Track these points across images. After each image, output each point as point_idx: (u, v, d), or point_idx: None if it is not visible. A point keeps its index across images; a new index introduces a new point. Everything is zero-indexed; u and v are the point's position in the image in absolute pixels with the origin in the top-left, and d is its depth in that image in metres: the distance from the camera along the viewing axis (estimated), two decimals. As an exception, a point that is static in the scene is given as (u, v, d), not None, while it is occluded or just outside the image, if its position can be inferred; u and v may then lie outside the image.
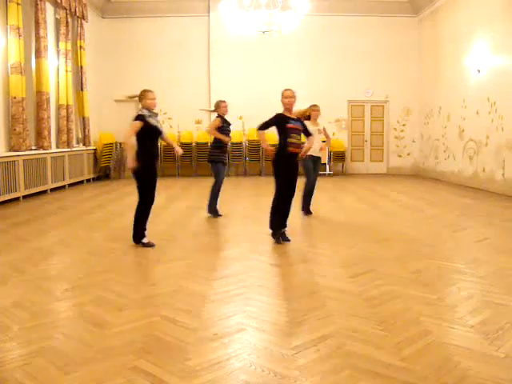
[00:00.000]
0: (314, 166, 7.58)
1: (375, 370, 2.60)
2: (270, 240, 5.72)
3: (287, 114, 5.57)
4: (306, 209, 7.63)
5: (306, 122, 6.31)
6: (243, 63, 14.82)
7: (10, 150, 9.41)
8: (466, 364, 2.66)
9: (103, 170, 14.01)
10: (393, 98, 15.23)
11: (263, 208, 7.61)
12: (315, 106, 7.53)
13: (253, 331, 3.16)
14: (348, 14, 14.78)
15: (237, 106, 14.54)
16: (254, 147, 14.60)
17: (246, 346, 2.92)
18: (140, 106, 5.49)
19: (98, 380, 2.53)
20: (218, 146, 7.32)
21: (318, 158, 7.64)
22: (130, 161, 5.29)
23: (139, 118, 5.32)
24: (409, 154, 15.48)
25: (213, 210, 7.45)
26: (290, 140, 5.46)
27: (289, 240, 5.72)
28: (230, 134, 7.49)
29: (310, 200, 7.65)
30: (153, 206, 5.59)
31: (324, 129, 7.67)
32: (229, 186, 11.94)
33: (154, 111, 5.52)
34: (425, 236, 6.16)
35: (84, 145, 13.01)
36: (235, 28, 11.07)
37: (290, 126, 5.47)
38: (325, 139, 8.04)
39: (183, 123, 14.91)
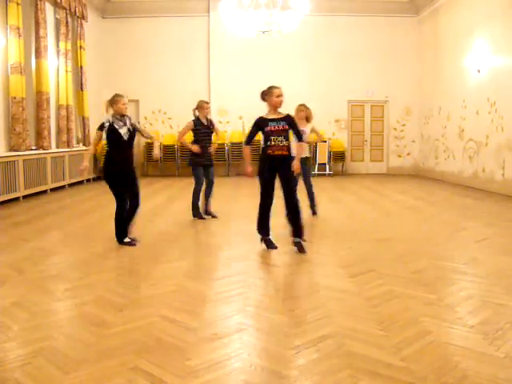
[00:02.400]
0: (302, 168, 7.12)
1: (375, 370, 2.60)
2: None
3: (269, 116, 5.34)
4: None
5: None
6: (243, 63, 14.81)
7: (9, 150, 9.41)
8: (466, 364, 2.66)
9: (103, 170, 13.98)
10: (393, 98, 15.23)
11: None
12: (302, 105, 7.21)
13: (253, 331, 3.16)
14: (348, 13, 14.78)
15: (237, 106, 14.65)
16: (254, 147, 14.56)
17: (246, 346, 2.92)
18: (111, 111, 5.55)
19: (98, 380, 2.53)
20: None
21: (306, 159, 7.28)
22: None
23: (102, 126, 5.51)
24: (409, 154, 15.48)
25: (197, 213, 7.30)
26: (269, 143, 5.30)
27: (275, 247, 5.38)
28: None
29: (312, 202, 7.46)
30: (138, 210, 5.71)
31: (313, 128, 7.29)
32: (228, 186, 11.95)
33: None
34: (425, 236, 6.16)
35: (84, 145, 13.00)
36: (235, 28, 11.08)
37: (268, 129, 5.26)
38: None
39: (183, 123, 14.79)
